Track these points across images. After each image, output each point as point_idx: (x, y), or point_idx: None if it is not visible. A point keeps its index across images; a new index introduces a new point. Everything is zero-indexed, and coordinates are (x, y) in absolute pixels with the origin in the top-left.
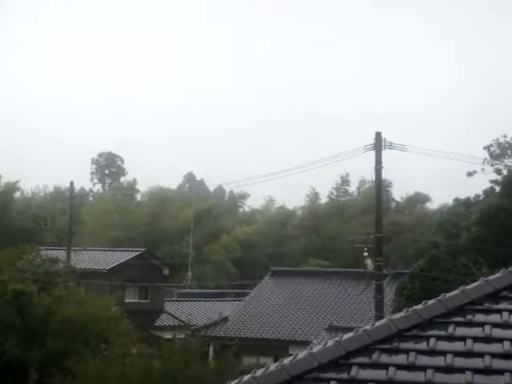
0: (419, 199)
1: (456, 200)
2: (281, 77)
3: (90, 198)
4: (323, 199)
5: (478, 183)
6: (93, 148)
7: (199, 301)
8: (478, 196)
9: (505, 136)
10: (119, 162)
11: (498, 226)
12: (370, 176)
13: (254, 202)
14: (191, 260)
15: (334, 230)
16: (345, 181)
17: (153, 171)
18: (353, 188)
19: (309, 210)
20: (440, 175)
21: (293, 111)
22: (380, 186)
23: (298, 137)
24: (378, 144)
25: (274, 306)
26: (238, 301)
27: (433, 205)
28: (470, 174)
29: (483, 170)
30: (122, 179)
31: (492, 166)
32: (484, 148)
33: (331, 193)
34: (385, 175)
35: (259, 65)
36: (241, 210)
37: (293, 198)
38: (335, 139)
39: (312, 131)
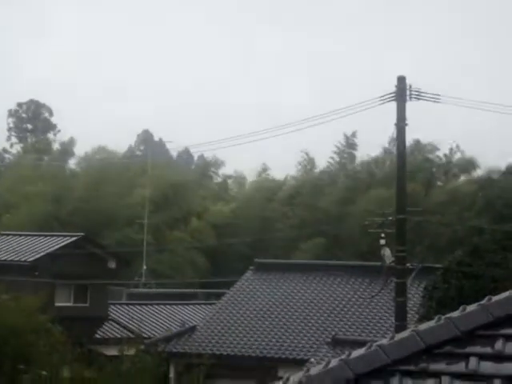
0: (462, 166)
1: (510, 168)
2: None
3: (6, 163)
4: (321, 167)
5: None
6: (12, 96)
7: (156, 304)
8: None
9: None
10: (46, 114)
11: None
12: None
13: (232, 172)
14: (146, 249)
15: (336, 209)
16: (351, 143)
17: (94, 127)
18: (361, 152)
19: (301, 180)
20: (485, 135)
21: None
22: (403, 149)
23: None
24: (401, 92)
25: (258, 311)
26: (210, 304)
27: (480, 174)
28: None
29: None
30: (51, 137)
31: None
32: None
33: (332, 158)
34: (422, 136)
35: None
36: (214, 182)
37: (285, 168)
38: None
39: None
